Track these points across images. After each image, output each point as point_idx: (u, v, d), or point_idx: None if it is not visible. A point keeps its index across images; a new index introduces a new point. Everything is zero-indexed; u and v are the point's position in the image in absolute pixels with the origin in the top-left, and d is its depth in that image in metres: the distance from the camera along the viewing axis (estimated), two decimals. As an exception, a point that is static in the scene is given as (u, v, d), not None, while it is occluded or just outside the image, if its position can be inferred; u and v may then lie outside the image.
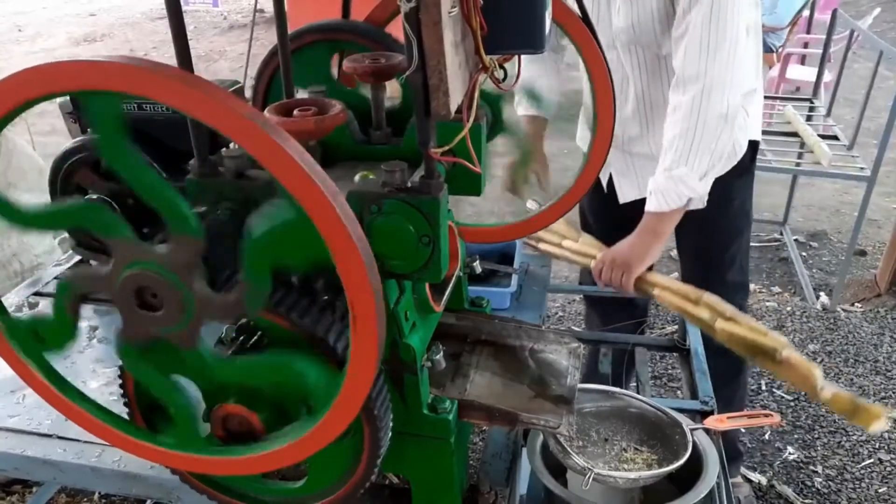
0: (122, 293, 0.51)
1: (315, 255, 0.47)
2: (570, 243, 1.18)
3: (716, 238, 1.42)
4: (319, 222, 0.46)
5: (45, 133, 3.30)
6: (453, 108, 0.56)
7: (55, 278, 1.26)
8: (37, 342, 0.57)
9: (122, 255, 0.51)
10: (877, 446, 1.79)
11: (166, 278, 0.50)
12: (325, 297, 0.61)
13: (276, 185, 0.45)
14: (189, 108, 0.44)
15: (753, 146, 1.35)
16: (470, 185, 0.75)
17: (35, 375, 0.58)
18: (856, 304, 2.41)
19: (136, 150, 0.47)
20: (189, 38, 0.60)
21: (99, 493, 1.66)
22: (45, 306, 1.19)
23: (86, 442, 0.86)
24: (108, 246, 0.50)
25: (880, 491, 1.67)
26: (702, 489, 0.77)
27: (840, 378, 2.04)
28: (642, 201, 1.39)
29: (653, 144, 1.28)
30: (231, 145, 0.65)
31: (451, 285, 0.78)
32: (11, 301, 1.20)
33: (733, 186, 1.33)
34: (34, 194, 1.79)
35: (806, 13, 4.12)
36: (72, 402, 0.59)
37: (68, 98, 1.06)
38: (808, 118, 2.53)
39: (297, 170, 0.44)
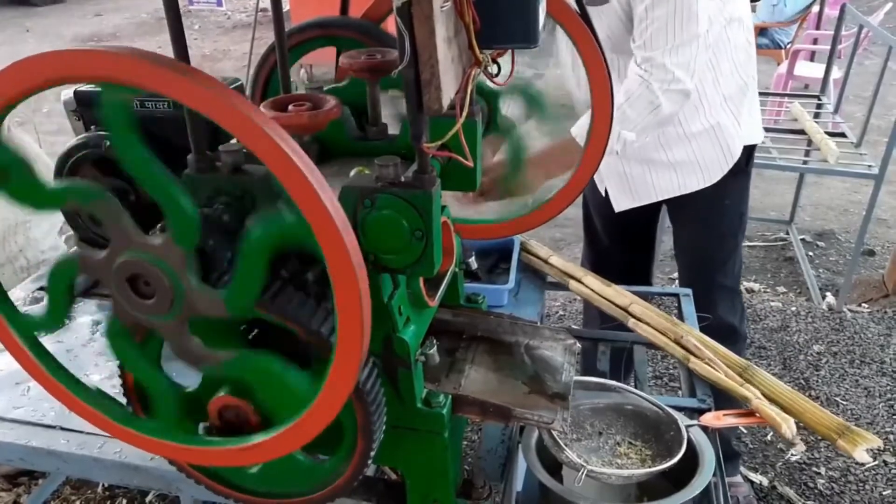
0: (117, 278, 0.52)
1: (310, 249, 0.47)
2: (556, 260, 1.21)
3: (708, 236, 1.41)
4: (291, 189, 0.46)
5: (52, 132, 3.35)
6: (446, 102, 0.56)
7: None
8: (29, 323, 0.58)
9: (120, 241, 0.51)
10: (882, 448, 1.77)
11: (160, 268, 0.51)
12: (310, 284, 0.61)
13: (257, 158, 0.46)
14: (173, 90, 0.45)
15: (749, 150, 1.34)
16: (465, 180, 0.75)
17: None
18: (863, 304, 2.38)
19: (144, 145, 0.48)
20: (194, 38, 0.61)
21: (103, 486, 1.69)
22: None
23: (88, 433, 0.87)
24: (108, 231, 0.51)
25: (885, 493, 1.65)
26: (697, 486, 0.77)
27: (845, 379, 2.01)
28: (645, 208, 1.39)
29: (640, 147, 1.28)
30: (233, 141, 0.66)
31: (446, 281, 0.78)
32: (17, 295, 1.22)
33: (726, 185, 1.32)
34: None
35: (815, 9, 4.08)
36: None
37: (72, 95, 1.07)
38: (816, 115, 2.50)
39: (280, 153, 0.45)
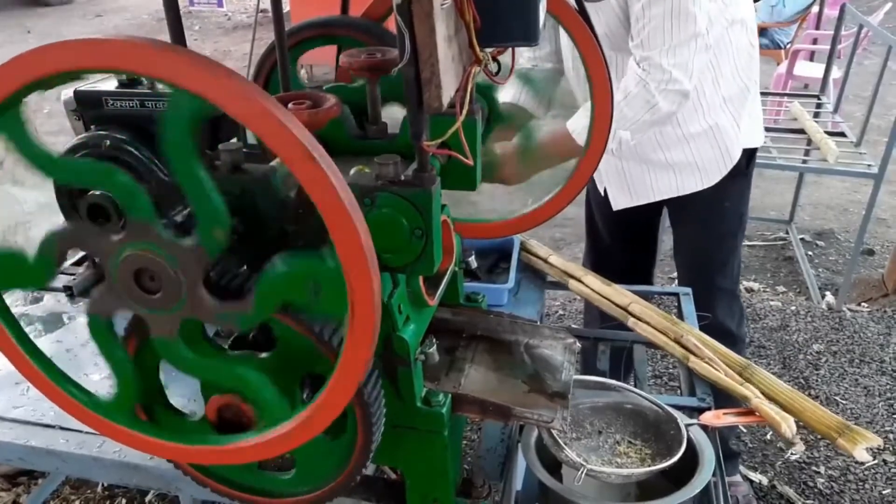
0: (122, 266, 0.52)
1: (326, 306, 0.49)
2: (555, 259, 1.21)
3: (707, 237, 1.41)
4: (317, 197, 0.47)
5: (53, 132, 3.35)
6: (446, 101, 0.56)
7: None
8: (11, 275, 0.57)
9: (135, 232, 0.51)
10: (882, 447, 1.77)
11: (172, 268, 0.51)
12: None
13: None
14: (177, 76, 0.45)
15: (749, 153, 1.34)
16: (465, 179, 0.75)
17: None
18: (862, 303, 2.39)
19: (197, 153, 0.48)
20: (194, 38, 0.60)
21: (102, 485, 1.69)
22: (48, 299, 1.21)
23: (87, 433, 0.87)
24: (125, 219, 0.51)
25: (884, 493, 1.65)
26: (697, 485, 0.77)
27: (845, 378, 2.02)
28: (646, 207, 1.39)
29: (638, 147, 1.28)
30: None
31: (445, 280, 0.78)
32: (17, 295, 1.22)
33: (726, 188, 1.32)
34: (41, 191, 1.81)
35: (815, 9, 4.08)
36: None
37: (72, 95, 1.07)
38: (816, 115, 2.50)
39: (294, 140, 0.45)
